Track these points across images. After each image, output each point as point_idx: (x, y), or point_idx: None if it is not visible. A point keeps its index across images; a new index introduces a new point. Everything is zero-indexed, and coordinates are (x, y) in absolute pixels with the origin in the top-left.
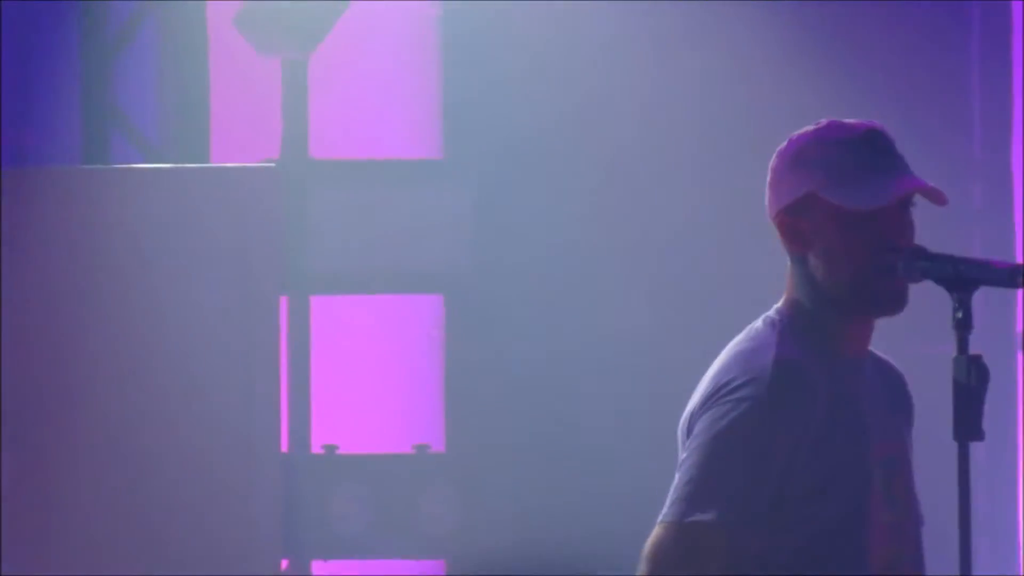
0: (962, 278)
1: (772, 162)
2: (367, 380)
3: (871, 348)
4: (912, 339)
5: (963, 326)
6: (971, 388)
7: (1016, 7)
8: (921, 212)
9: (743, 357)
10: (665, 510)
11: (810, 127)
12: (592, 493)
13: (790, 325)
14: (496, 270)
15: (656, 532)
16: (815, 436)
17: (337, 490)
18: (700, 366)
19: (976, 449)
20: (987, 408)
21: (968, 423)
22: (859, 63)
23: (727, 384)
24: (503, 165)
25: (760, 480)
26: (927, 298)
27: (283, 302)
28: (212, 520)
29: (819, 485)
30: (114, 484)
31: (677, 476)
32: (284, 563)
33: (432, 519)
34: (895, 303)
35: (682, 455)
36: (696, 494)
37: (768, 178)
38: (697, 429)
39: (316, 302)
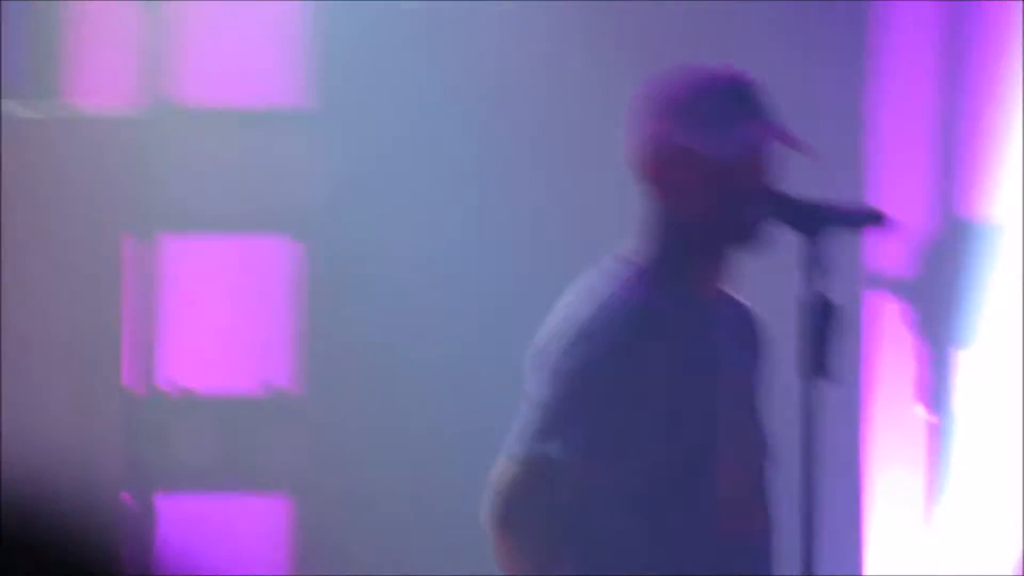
0: (811, 218)
1: (637, 105)
2: (219, 320)
3: (726, 289)
4: (763, 282)
5: (812, 266)
6: (819, 326)
7: None
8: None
9: (593, 295)
10: (512, 444)
11: (673, 74)
12: (442, 442)
13: (644, 265)
14: (359, 218)
15: (504, 465)
16: (664, 373)
17: (183, 426)
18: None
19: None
20: (833, 347)
21: (816, 361)
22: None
23: (576, 322)
24: (377, 118)
25: (607, 415)
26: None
27: (129, 242)
28: (53, 453)
29: (667, 420)
30: None
31: (523, 410)
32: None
33: (280, 458)
34: (751, 239)
35: (529, 388)
36: (544, 429)
37: (632, 121)
38: (546, 365)
39: (166, 242)
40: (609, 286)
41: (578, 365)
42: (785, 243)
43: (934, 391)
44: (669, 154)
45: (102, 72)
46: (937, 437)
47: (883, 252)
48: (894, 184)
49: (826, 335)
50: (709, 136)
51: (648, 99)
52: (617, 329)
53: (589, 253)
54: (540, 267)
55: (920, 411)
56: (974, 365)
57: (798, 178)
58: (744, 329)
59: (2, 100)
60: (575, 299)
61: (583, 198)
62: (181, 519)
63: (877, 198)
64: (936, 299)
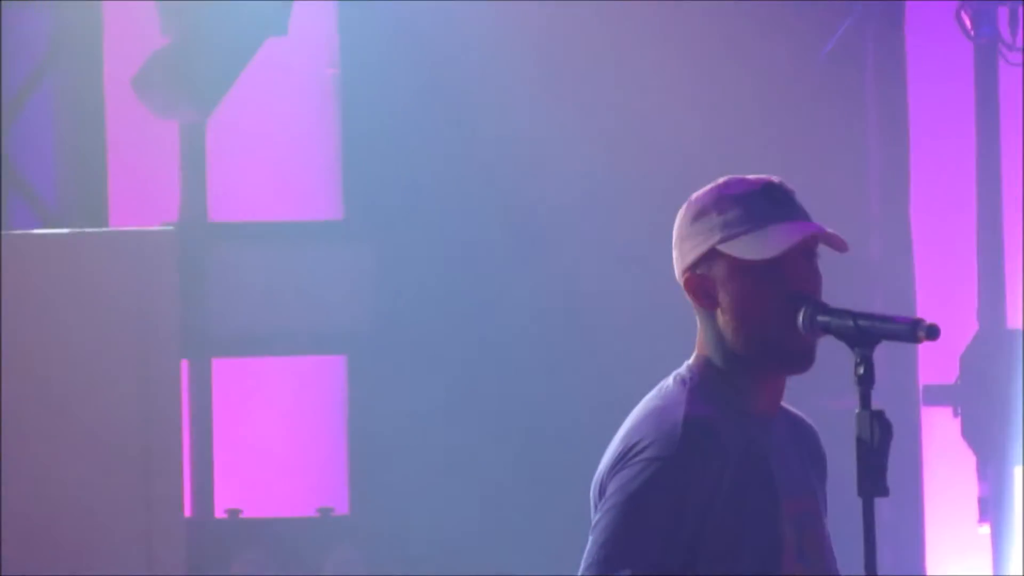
0: (863, 333)
1: (675, 223)
2: (271, 443)
3: (785, 404)
4: (816, 393)
5: (865, 381)
6: (874, 443)
7: (911, 61)
8: (822, 267)
9: (652, 416)
10: (580, 573)
11: (709, 185)
12: (497, 551)
13: (700, 383)
14: (398, 329)
15: None
16: (725, 495)
17: (241, 554)
18: (604, 433)
19: (881, 504)
20: (891, 463)
21: (872, 479)
22: (755, 118)
23: (636, 444)
24: (403, 225)
25: (672, 540)
26: (831, 352)
27: (184, 366)
28: None
29: (730, 544)
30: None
31: (590, 539)
32: None
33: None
34: (802, 360)
35: (595, 517)
36: (610, 557)
37: (673, 239)
38: (608, 491)
39: (218, 365)
40: (666, 406)
41: (639, 490)
42: (838, 356)
43: (994, 505)
44: (705, 262)
45: (145, 193)
46: (999, 551)
47: (936, 364)
48: (944, 295)
49: (882, 452)
50: (742, 239)
51: (683, 214)
52: (675, 450)
53: (638, 351)
54: (589, 372)
55: (983, 529)
56: None
57: (849, 292)
58: (807, 447)
59: (46, 225)
60: (634, 421)
61: (625, 315)
62: None
63: (928, 309)
64: (991, 411)
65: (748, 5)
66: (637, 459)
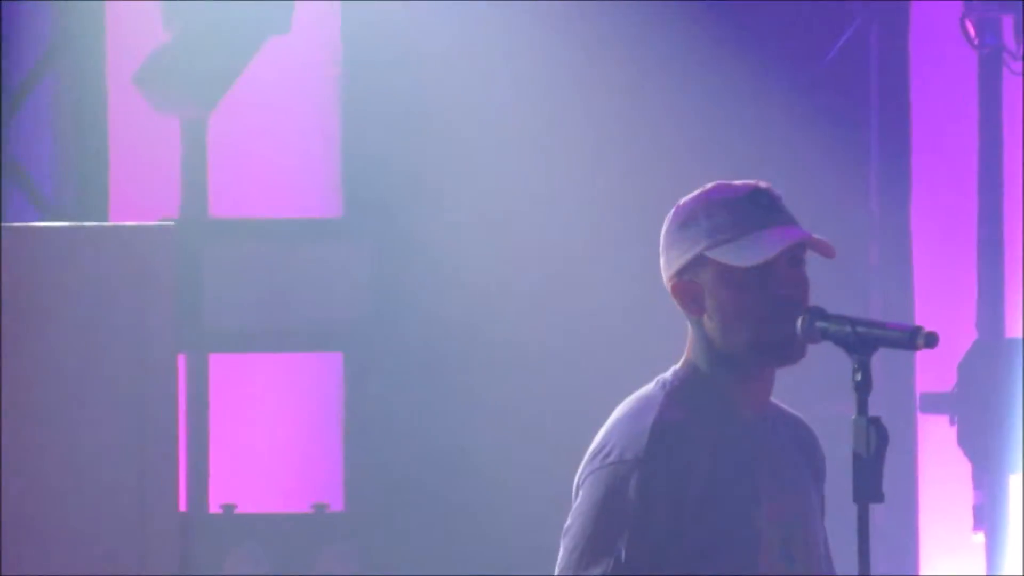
0: (861, 340)
1: (662, 229)
2: (266, 439)
3: (782, 405)
4: (810, 399)
5: (862, 388)
6: (870, 450)
7: (914, 68)
8: (820, 273)
9: (623, 421)
10: (556, 572)
11: (696, 191)
12: (491, 549)
13: (680, 386)
14: (395, 328)
15: None
16: (698, 497)
17: (235, 550)
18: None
19: (875, 510)
20: (886, 470)
21: (868, 485)
22: (756, 123)
23: (603, 449)
24: (402, 223)
25: (640, 544)
26: (825, 358)
27: (181, 361)
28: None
29: (703, 546)
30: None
31: (561, 544)
32: None
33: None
34: (792, 352)
35: (567, 522)
36: (580, 562)
37: (660, 245)
38: (578, 495)
39: (215, 360)
40: (640, 409)
41: (602, 495)
42: (833, 362)
43: (989, 513)
44: (692, 267)
45: (145, 188)
46: (993, 559)
47: (934, 372)
48: (943, 302)
49: (877, 458)
50: (729, 245)
51: (671, 219)
52: (642, 454)
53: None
54: (589, 369)
55: (977, 537)
56: None
57: (848, 298)
58: (803, 448)
59: (48, 219)
60: (608, 425)
61: (625, 314)
62: None
63: (926, 317)
64: (988, 419)
65: (750, 9)
66: (604, 464)
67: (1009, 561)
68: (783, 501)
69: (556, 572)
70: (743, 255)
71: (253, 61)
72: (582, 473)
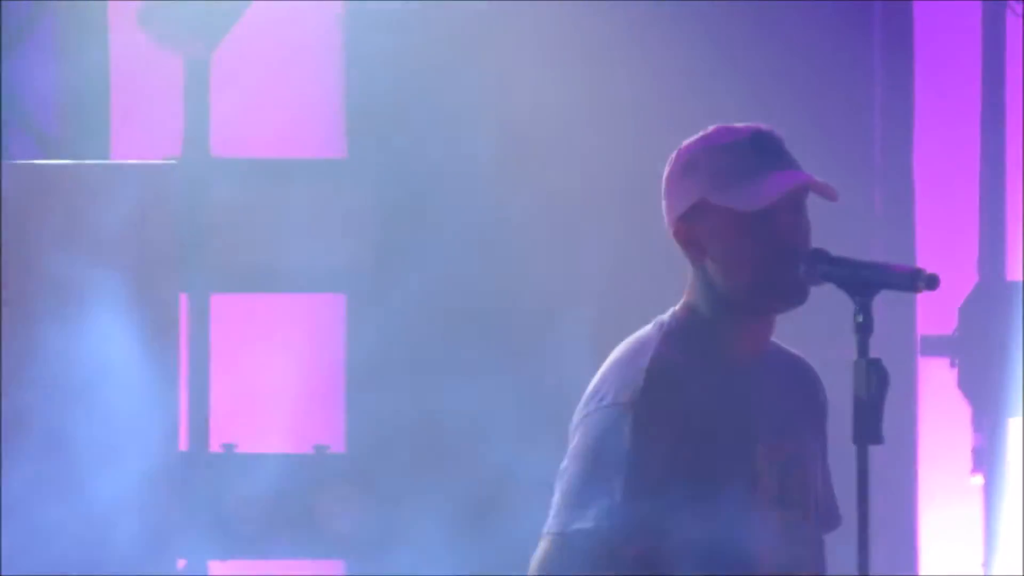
0: (863, 282)
1: (664, 173)
2: (267, 380)
3: (784, 346)
4: (812, 342)
5: (863, 329)
6: (870, 392)
7: (917, 10)
8: (823, 216)
9: (619, 364)
10: (548, 522)
11: (698, 135)
12: (492, 493)
13: (677, 328)
14: (398, 270)
15: (541, 545)
16: (693, 439)
17: (236, 490)
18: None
19: (875, 452)
20: (886, 412)
21: (867, 427)
22: (759, 68)
23: (599, 392)
24: (406, 165)
25: (634, 485)
26: (827, 301)
27: (183, 300)
28: (109, 518)
29: (698, 487)
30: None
31: (556, 487)
32: (181, 563)
33: (332, 520)
34: (795, 295)
35: (562, 464)
36: (575, 504)
37: (662, 189)
38: (574, 438)
39: (216, 300)
40: (637, 351)
41: (596, 438)
42: (835, 304)
43: (988, 456)
44: (695, 212)
45: (148, 127)
46: (991, 502)
47: (935, 314)
48: (945, 245)
49: (878, 400)
50: (731, 189)
51: (673, 163)
52: (638, 397)
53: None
54: (586, 318)
55: (976, 479)
56: None
57: (850, 241)
58: (804, 390)
59: (48, 157)
60: (605, 368)
61: (626, 241)
62: None
63: (928, 260)
64: (988, 362)
65: None
66: (600, 406)
67: (1007, 504)
68: (780, 442)
69: (551, 513)
70: (745, 199)
71: None
72: (578, 415)
